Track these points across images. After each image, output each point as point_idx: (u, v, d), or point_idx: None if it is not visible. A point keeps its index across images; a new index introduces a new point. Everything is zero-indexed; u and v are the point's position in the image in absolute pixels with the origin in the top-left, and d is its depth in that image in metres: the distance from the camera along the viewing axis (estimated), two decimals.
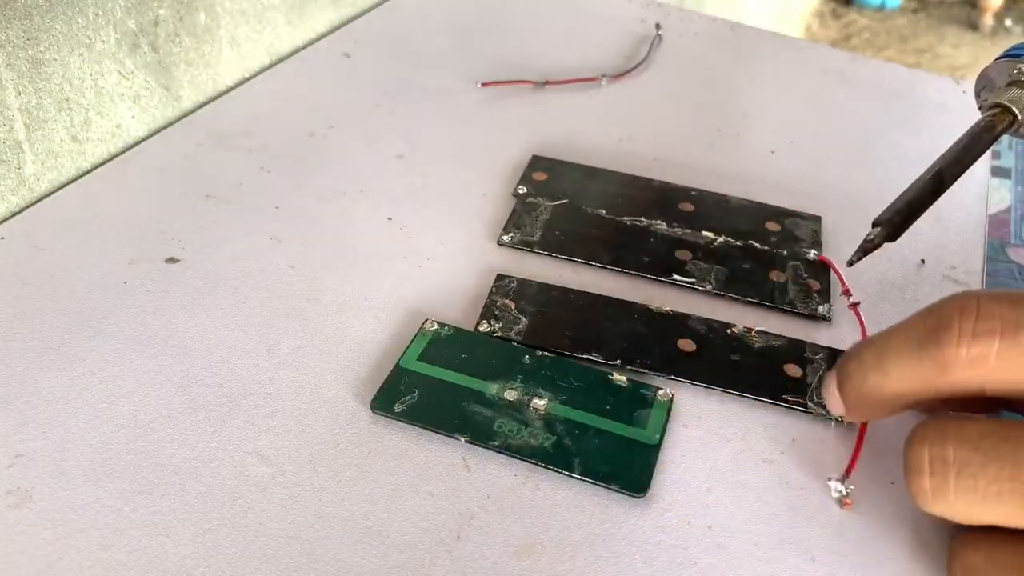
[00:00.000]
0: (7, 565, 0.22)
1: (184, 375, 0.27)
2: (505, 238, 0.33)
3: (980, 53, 2.38)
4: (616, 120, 0.42)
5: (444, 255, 0.32)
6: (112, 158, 0.37)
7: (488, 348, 0.28)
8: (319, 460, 0.25)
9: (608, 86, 0.45)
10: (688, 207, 0.35)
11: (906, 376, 0.22)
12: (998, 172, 0.41)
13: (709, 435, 0.26)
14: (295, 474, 0.24)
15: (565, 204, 0.35)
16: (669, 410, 0.26)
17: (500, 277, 0.31)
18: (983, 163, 0.41)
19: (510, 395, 0.26)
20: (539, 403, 0.26)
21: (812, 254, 0.33)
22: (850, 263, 0.28)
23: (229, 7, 0.41)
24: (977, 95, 0.32)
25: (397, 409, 0.25)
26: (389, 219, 0.34)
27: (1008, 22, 2.54)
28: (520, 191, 0.36)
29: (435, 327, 0.28)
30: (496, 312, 0.29)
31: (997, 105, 0.30)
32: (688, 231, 0.34)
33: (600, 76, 0.45)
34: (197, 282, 0.30)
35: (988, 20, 2.49)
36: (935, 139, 0.43)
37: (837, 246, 0.34)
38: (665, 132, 0.42)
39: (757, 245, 0.33)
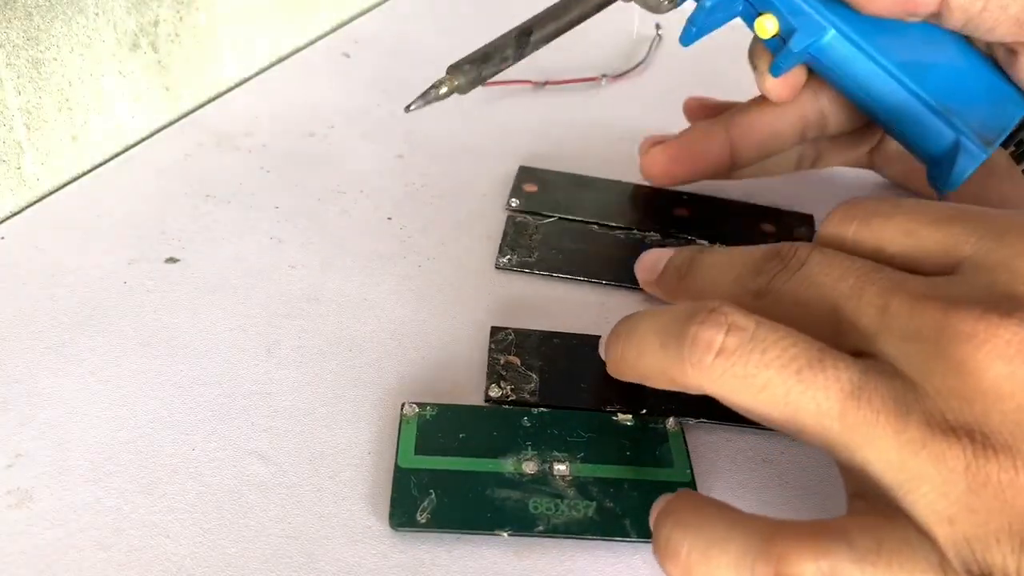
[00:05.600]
0: (7, 565, 0.22)
1: (184, 375, 0.27)
2: (502, 260, 0.32)
3: None
4: (616, 120, 0.42)
5: (444, 255, 0.32)
6: (112, 158, 0.37)
7: (481, 419, 0.26)
8: (319, 460, 0.25)
9: (608, 86, 0.45)
10: (683, 212, 0.35)
11: (653, 364, 0.22)
12: None
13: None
14: (295, 474, 0.24)
15: (556, 221, 0.34)
16: (684, 440, 0.26)
17: (495, 331, 0.29)
18: None
19: (529, 468, 0.24)
20: (561, 468, 0.24)
21: None
22: (407, 109, 0.27)
23: (229, 7, 0.41)
24: None
25: (421, 519, 0.23)
26: (389, 219, 0.34)
27: None
28: (513, 204, 0.35)
29: (416, 410, 0.26)
30: (503, 372, 0.27)
31: None
32: (685, 238, 0.33)
33: (600, 76, 0.45)
34: (197, 282, 0.30)
35: None
36: None
37: None
38: (665, 132, 0.41)
39: None
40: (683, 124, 0.42)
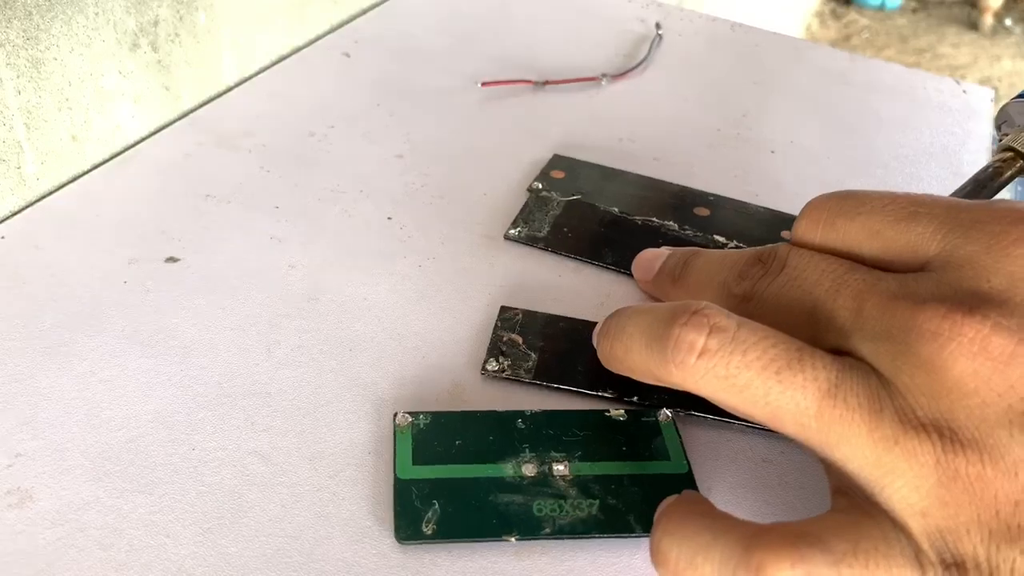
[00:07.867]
0: (7, 565, 0.22)
1: (184, 375, 0.27)
2: (512, 232, 0.33)
3: (980, 53, 2.38)
4: (616, 120, 0.42)
5: (444, 254, 0.32)
6: (112, 158, 0.37)
7: (475, 423, 0.26)
8: (319, 460, 0.25)
9: (608, 86, 0.45)
10: (704, 212, 0.35)
11: (639, 362, 0.23)
12: None
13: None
14: (295, 474, 0.24)
15: (578, 200, 0.35)
16: (677, 430, 0.26)
17: (504, 309, 0.29)
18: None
19: (528, 470, 0.24)
20: (560, 468, 0.24)
21: None
22: None
23: (229, 7, 0.41)
24: (997, 128, 0.32)
25: (427, 531, 0.23)
26: (389, 219, 0.34)
27: (1008, 22, 2.54)
28: (535, 187, 0.35)
29: (408, 419, 0.25)
30: (503, 348, 0.28)
31: (1009, 148, 0.29)
32: (700, 234, 0.34)
33: (600, 76, 0.45)
34: (197, 282, 0.30)
35: (988, 20, 2.49)
36: (935, 139, 0.43)
37: None
38: (665, 132, 0.42)
39: None
40: (682, 123, 0.43)
